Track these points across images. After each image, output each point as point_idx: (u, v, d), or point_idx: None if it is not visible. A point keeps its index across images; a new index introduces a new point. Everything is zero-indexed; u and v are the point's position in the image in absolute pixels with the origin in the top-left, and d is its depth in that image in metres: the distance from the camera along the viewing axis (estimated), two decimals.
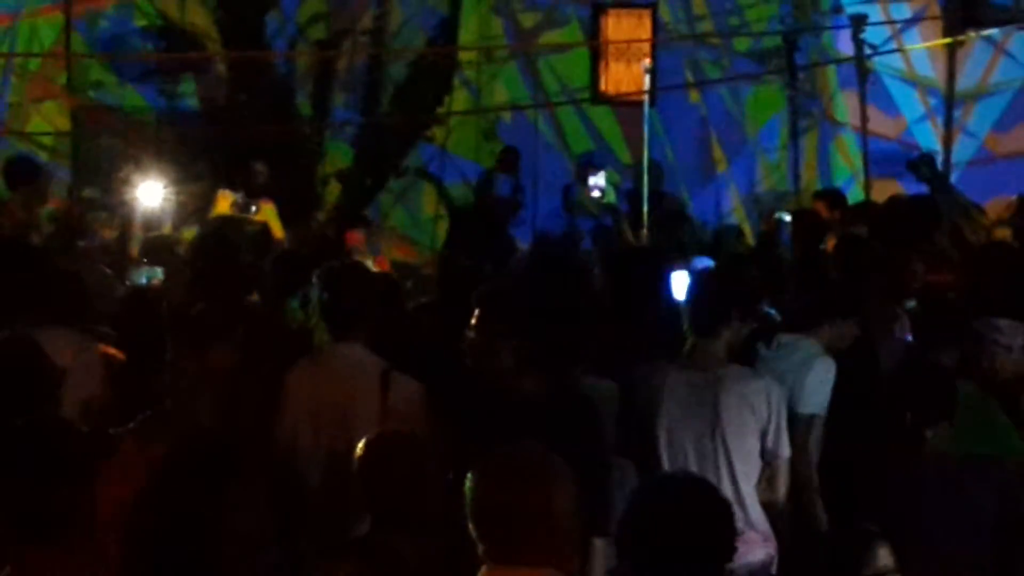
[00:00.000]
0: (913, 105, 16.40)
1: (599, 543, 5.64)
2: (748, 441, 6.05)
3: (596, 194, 13.38)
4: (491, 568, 3.60)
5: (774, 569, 6.04)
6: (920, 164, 12.49)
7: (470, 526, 3.65)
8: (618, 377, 6.42)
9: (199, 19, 15.51)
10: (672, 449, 6.05)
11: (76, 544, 3.69)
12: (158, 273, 8.38)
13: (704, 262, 9.81)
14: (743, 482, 6.02)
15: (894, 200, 11.55)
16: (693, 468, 5.87)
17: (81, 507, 3.75)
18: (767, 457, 6.13)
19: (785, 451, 6.16)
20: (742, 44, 16.92)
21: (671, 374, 6.16)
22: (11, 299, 6.70)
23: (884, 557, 6.56)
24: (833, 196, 12.72)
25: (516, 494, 3.62)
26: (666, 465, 6.02)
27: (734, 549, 4.24)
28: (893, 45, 15.48)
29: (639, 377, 6.31)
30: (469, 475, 3.71)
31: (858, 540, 5.25)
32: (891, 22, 15.67)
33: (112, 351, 6.83)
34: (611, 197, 13.44)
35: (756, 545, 5.93)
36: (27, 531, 3.66)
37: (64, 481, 3.76)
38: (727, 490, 5.71)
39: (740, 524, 5.67)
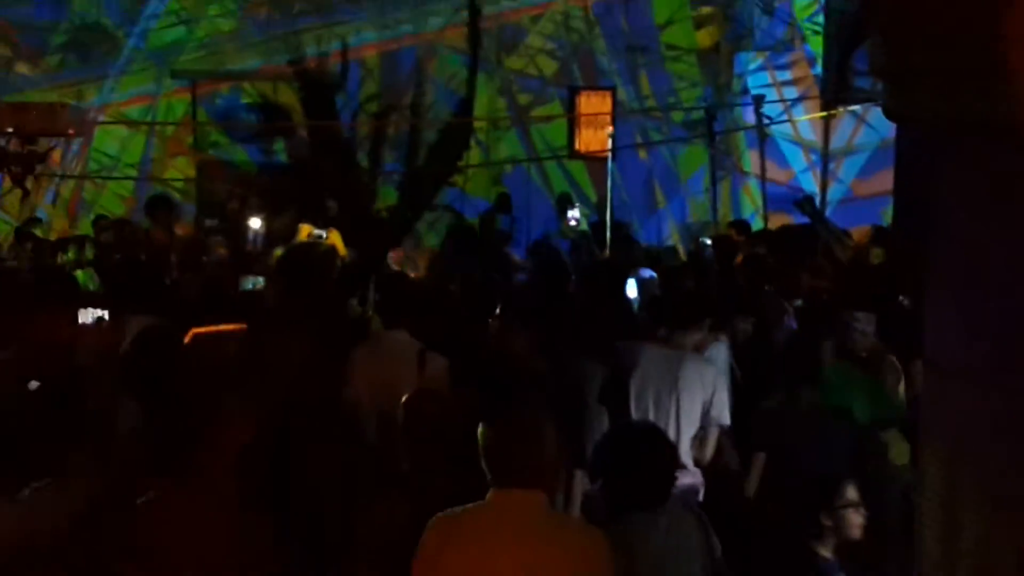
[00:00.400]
0: (799, 160, 16.38)
1: (579, 473, 5.68)
2: (695, 405, 6.07)
3: (573, 223, 13.52)
4: (497, 491, 3.61)
5: (700, 496, 6.03)
6: (803, 203, 12.51)
7: (482, 462, 3.66)
8: (601, 356, 6.41)
9: (287, 98, 15.48)
10: (639, 402, 6.03)
11: (202, 478, 3.68)
12: (260, 281, 8.38)
13: (648, 273, 9.82)
14: (684, 433, 6.03)
15: (785, 228, 11.58)
16: (651, 417, 5.88)
17: (207, 450, 3.74)
18: (705, 421, 6.12)
19: (724, 420, 6.14)
20: (677, 116, 16.95)
21: (649, 348, 6.16)
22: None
23: (851, 493, 6.57)
24: (741, 225, 12.75)
25: (516, 440, 3.64)
26: (633, 413, 5.97)
27: (675, 477, 4.28)
28: (784, 117, 15.45)
29: (623, 348, 6.27)
30: (481, 426, 3.69)
31: (830, 482, 5.30)
32: (783, 100, 15.65)
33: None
34: (583, 226, 13.56)
35: (688, 475, 5.93)
36: (165, 469, 3.65)
37: (196, 430, 3.76)
38: (672, 435, 5.75)
39: (681, 460, 5.74)
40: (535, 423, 3.69)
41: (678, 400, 6.03)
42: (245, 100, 16.35)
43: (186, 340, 6.03)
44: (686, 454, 5.98)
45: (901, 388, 6.95)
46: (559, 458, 3.81)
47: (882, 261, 10.42)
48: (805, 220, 11.92)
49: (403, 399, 5.56)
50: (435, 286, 8.83)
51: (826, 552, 4.97)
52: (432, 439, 4.72)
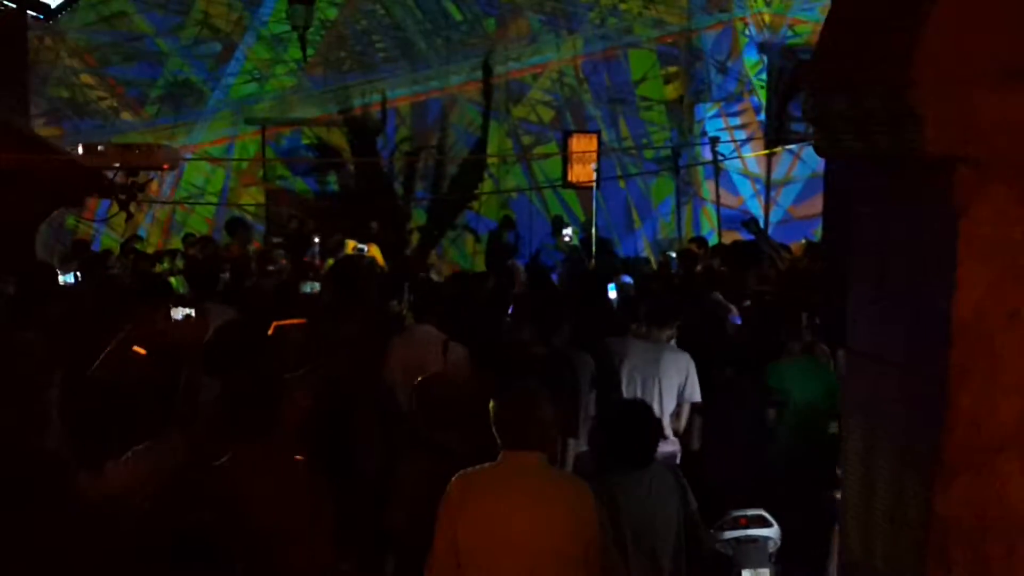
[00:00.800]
0: (747, 188, 16.28)
1: (571, 441, 5.63)
2: (673, 386, 5.98)
3: (567, 239, 13.53)
4: (506, 452, 3.61)
5: (678, 459, 5.97)
6: (749, 223, 12.51)
7: (493, 429, 3.66)
8: (591, 347, 6.37)
9: (338, 139, 15.53)
10: (629, 384, 5.97)
11: (271, 441, 3.67)
12: (316, 285, 8.35)
13: (627, 279, 9.81)
14: (667, 408, 5.95)
15: (736, 244, 11.56)
16: (639, 395, 5.85)
17: (275, 419, 3.73)
18: (681, 399, 6.06)
19: (695, 397, 6.08)
20: (648, 154, 16.89)
21: (635, 342, 6.12)
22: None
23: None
24: (700, 241, 12.67)
25: (518, 410, 3.63)
26: (625, 393, 5.92)
27: (657, 445, 4.26)
28: (735, 154, 15.41)
29: (615, 342, 6.20)
30: (492, 400, 3.72)
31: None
32: (734, 141, 15.62)
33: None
34: (575, 241, 13.56)
35: (668, 443, 5.91)
36: (241, 432, 3.64)
37: (267, 401, 3.74)
38: (657, 410, 5.70)
39: (664, 431, 5.74)
40: (533, 396, 3.69)
41: (660, 383, 6.01)
42: (304, 141, 16.34)
43: (270, 330, 6.11)
44: (667, 426, 5.97)
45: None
46: (554, 425, 3.79)
47: (812, 268, 10.44)
48: (751, 237, 11.97)
49: (416, 381, 5.58)
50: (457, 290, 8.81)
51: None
52: (440, 412, 4.74)
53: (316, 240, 11.88)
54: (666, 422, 5.97)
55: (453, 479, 3.58)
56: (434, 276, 10.88)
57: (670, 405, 6.06)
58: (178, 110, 16.15)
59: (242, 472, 3.47)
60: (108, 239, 14.43)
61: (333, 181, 15.90)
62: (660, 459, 5.58)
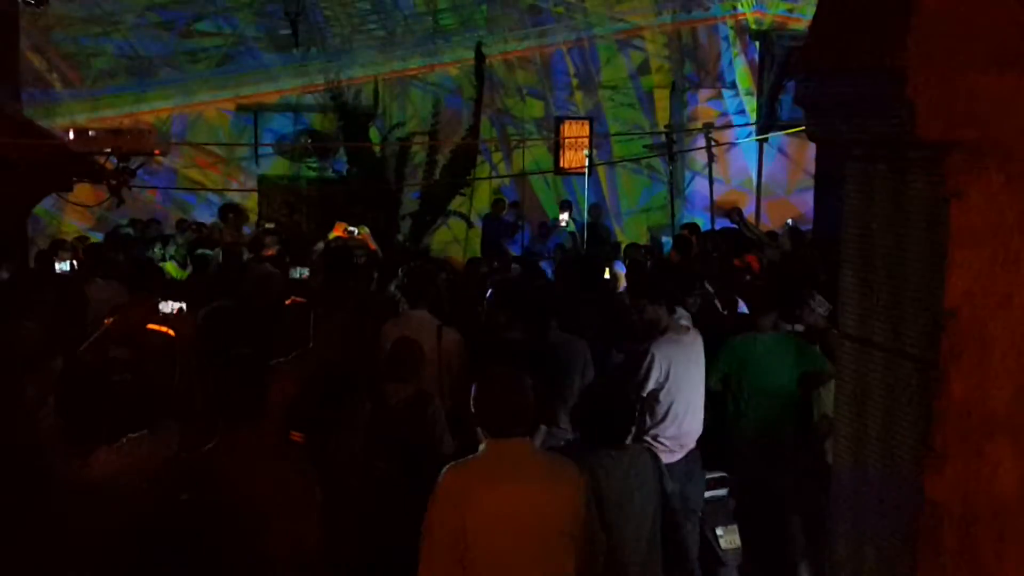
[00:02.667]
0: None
1: (543, 428, 5.57)
2: (703, 368, 5.84)
3: (563, 224, 13.57)
4: (491, 441, 3.59)
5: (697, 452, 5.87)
6: (731, 213, 12.76)
7: (472, 413, 3.64)
8: (580, 330, 6.34)
9: (331, 126, 15.46)
10: (685, 381, 5.68)
11: (260, 425, 3.67)
12: (305, 271, 8.32)
13: (619, 265, 9.83)
14: (702, 395, 5.81)
15: (726, 230, 11.69)
16: (693, 387, 5.69)
17: (262, 404, 3.73)
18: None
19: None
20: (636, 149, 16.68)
21: (680, 339, 5.78)
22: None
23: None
24: (692, 227, 12.72)
25: (499, 397, 3.61)
26: (684, 389, 5.65)
27: (632, 428, 4.22)
28: (728, 141, 15.44)
29: (667, 341, 5.71)
30: (473, 386, 3.68)
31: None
32: (728, 127, 15.65)
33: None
34: (571, 227, 13.59)
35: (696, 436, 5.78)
36: (230, 416, 3.63)
37: (253, 387, 3.74)
38: (700, 400, 5.70)
39: (699, 423, 5.71)
40: (516, 382, 3.66)
41: (697, 368, 5.75)
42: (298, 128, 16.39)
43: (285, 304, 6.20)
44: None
45: None
46: (534, 412, 3.76)
47: (796, 253, 10.58)
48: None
49: (426, 365, 5.59)
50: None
51: None
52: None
53: (305, 225, 11.88)
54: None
55: (445, 471, 3.56)
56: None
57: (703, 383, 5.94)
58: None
59: (229, 455, 3.47)
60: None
61: (326, 168, 15.77)
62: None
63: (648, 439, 5.55)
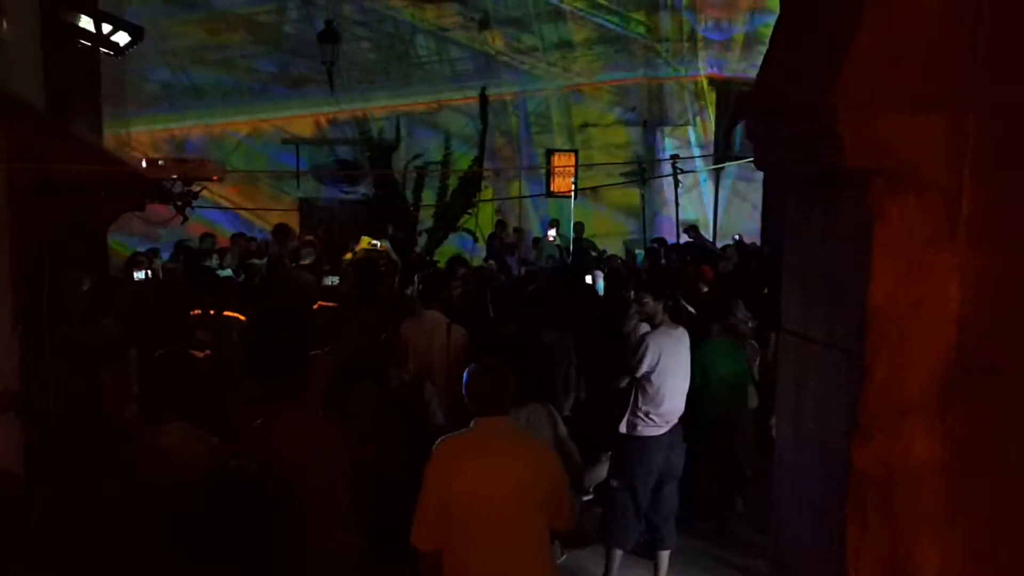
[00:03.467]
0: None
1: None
2: (687, 358, 5.74)
3: (551, 239, 13.55)
4: (479, 419, 3.58)
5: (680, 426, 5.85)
6: (689, 229, 12.86)
7: (465, 397, 3.62)
8: (565, 326, 6.31)
9: (360, 156, 15.44)
10: (675, 367, 5.62)
11: (299, 404, 3.67)
12: (336, 279, 8.30)
13: (600, 274, 9.83)
14: (686, 381, 5.74)
15: (689, 244, 11.63)
16: (679, 374, 5.63)
17: (303, 386, 3.73)
18: None
19: None
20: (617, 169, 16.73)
21: (671, 332, 5.70)
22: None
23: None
24: (661, 240, 12.73)
25: (482, 381, 3.60)
26: (673, 374, 5.59)
27: (510, 393, 3.91)
28: (692, 169, 15.43)
29: (661, 333, 5.64)
30: (465, 372, 3.66)
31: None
32: (691, 157, 15.63)
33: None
34: (558, 241, 13.59)
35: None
36: (274, 395, 3.64)
37: (297, 372, 3.74)
38: (684, 385, 5.66)
39: (683, 403, 5.66)
40: (500, 370, 3.63)
41: (685, 355, 5.65)
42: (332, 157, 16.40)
43: (312, 309, 6.19)
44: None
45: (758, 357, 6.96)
46: (512, 395, 3.75)
47: (737, 263, 10.61)
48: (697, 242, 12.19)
49: (437, 360, 5.58)
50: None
51: None
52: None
53: (338, 239, 11.83)
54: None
55: (437, 443, 3.56)
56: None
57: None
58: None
59: (276, 429, 3.48)
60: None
61: (355, 191, 15.79)
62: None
63: (640, 415, 5.57)
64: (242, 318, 5.64)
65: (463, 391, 3.62)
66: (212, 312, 5.77)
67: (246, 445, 3.43)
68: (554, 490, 3.55)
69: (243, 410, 3.77)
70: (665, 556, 5.76)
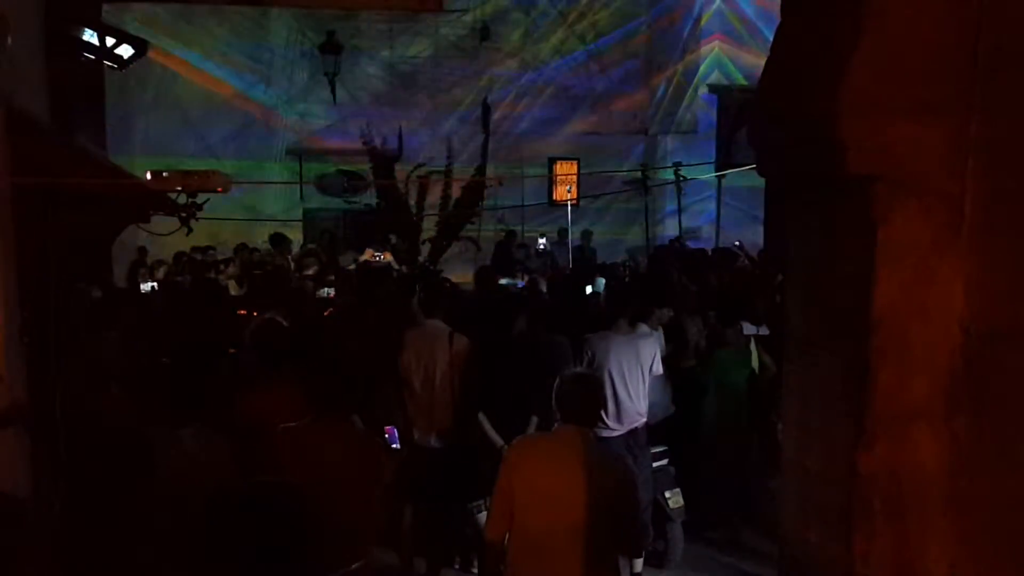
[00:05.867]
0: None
1: (535, 418, 5.52)
2: (644, 365, 5.86)
3: (541, 247, 13.61)
4: (561, 426, 3.60)
5: (642, 431, 5.95)
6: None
7: (554, 404, 3.61)
8: (568, 334, 6.31)
9: (363, 167, 15.47)
10: (616, 368, 5.79)
11: (341, 413, 3.75)
12: (331, 291, 8.29)
13: (601, 281, 9.80)
14: (643, 384, 5.85)
15: (694, 251, 11.61)
16: (625, 376, 5.78)
17: (341, 395, 3.80)
18: (650, 373, 5.93)
19: (658, 371, 5.97)
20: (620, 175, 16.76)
21: (617, 336, 5.90)
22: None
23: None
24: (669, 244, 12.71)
25: (570, 392, 3.61)
26: (614, 375, 5.78)
27: (599, 410, 4.10)
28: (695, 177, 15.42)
29: (599, 336, 5.94)
30: (558, 378, 3.67)
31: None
32: (692, 164, 15.60)
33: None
34: (548, 248, 13.62)
35: (639, 417, 5.88)
36: (320, 404, 3.72)
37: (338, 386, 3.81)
38: (640, 387, 5.79)
39: (641, 406, 5.79)
40: (594, 383, 3.69)
41: (640, 363, 5.81)
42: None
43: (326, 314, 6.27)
44: (641, 402, 5.86)
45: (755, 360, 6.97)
46: (598, 406, 3.76)
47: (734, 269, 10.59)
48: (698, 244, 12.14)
49: (440, 367, 5.58)
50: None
51: None
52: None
53: (341, 250, 11.84)
54: (643, 394, 5.89)
55: (512, 443, 3.69)
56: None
57: (645, 380, 5.91)
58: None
59: (318, 429, 3.65)
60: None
61: (359, 201, 15.81)
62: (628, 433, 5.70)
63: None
64: (284, 323, 5.66)
65: (552, 397, 3.62)
66: (256, 313, 5.86)
67: (278, 451, 3.48)
68: (622, 509, 3.54)
69: (267, 414, 3.81)
70: (639, 564, 5.80)
